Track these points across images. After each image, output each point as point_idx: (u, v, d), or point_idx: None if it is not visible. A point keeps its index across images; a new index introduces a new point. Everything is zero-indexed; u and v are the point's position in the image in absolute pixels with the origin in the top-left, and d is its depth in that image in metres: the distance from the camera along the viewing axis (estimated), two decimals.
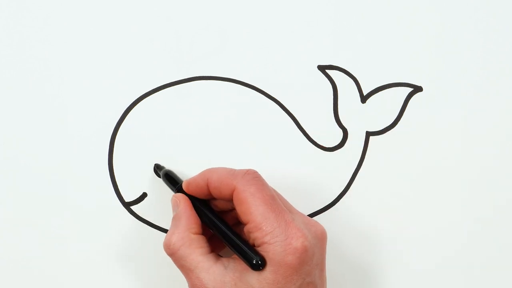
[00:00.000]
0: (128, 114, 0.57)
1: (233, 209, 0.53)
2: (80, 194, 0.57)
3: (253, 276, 0.47)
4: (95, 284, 0.57)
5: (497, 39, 0.58)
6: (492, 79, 0.58)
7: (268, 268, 0.47)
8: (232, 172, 0.50)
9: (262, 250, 0.48)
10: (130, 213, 0.57)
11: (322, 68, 0.58)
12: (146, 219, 0.57)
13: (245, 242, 0.49)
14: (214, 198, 0.52)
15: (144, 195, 0.57)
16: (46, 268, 0.57)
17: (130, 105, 0.57)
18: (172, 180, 0.55)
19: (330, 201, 0.58)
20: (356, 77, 0.58)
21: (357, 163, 0.58)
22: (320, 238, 0.50)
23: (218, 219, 0.51)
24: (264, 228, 0.47)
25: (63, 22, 0.57)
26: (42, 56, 0.57)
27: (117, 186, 0.57)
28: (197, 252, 0.49)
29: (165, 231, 0.57)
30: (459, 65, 0.58)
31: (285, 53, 0.58)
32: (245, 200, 0.49)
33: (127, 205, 0.57)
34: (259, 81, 0.58)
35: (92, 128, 0.57)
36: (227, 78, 0.58)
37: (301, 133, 0.58)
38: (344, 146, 0.58)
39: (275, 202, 0.49)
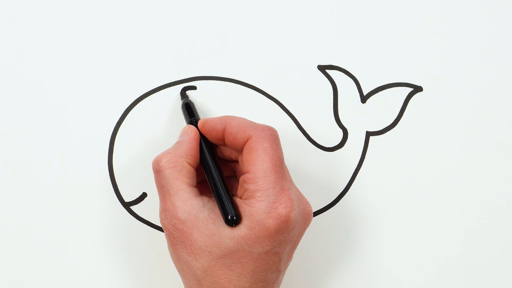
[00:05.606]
0: (128, 114, 0.57)
1: (234, 161, 0.53)
2: (80, 194, 0.57)
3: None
4: (95, 284, 0.57)
5: (497, 39, 0.58)
6: (492, 79, 0.58)
7: (245, 222, 0.47)
8: (253, 124, 0.50)
9: (247, 203, 0.48)
10: (130, 213, 0.57)
11: (322, 68, 0.58)
12: (146, 219, 0.57)
13: (231, 196, 0.49)
14: (222, 145, 0.52)
15: (144, 195, 0.57)
16: (46, 268, 0.57)
17: (130, 105, 0.57)
18: (190, 112, 0.55)
19: (330, 201, 0.58)
20: (356, 77, 0.58)
21: (357, 163, 0.58)
22: (306, 217, 0.49)
23: (216, 166, 0.51)
24: (260, 184, 0.47)
25: (63, 22, 0.57)
26: (42, 56, 0.57)
27: (117, 186, 0.57)
28: (182, 180, 0.49)
29: None
30: (459, 65, 0.58)
31: (285, 53, 0.58)
32: (255, 151, 0.48)
33: (127, 205, 0.57)
34: (259, 81, 0.58)
35: (92, 128, 0.57)
36: (227, 78, 0.58)
37: (301, 133, 0.58)
38: (344, 146, 0.58)
39: (281, 166, 0.49)
